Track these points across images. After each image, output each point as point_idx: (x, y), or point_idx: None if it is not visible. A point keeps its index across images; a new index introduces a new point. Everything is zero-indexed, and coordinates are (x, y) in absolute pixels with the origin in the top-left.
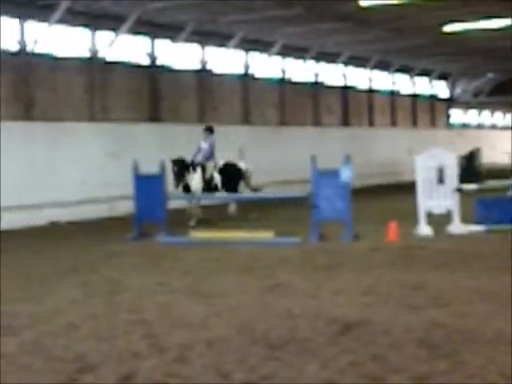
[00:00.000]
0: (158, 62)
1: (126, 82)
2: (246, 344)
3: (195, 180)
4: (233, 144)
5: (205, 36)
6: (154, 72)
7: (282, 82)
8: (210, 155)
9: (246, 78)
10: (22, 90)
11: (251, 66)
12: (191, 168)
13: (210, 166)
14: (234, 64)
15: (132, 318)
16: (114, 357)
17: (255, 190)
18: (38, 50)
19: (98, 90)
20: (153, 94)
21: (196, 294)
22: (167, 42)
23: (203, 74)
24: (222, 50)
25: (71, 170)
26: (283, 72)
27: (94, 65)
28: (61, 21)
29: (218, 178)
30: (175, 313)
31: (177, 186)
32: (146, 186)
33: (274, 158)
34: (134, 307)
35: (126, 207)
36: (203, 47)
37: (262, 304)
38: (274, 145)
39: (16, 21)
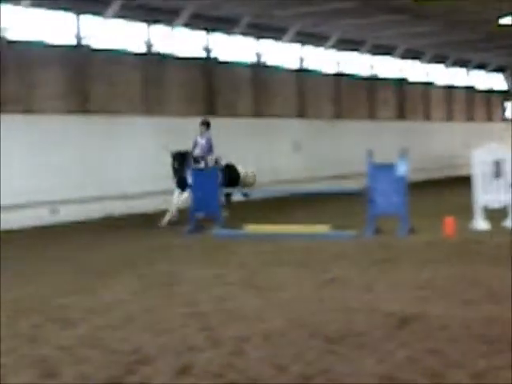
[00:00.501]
0: (213, 56)
1: (181, 75)
2: (302, 338)
3: None
4: (288, 137)
5: (260, 29)
6: (209, 65)
7: (337, 75)
8: (209, 150)
9: (300, 71)
10: (79, 83)
11: (306, 60)
12: (192, 161)
13: (211, 158)
14: (288, 57)
15: (188, 311)
16: (171, 349)
17: (245, 194)
18: (94, 45)
19: (153, 84)
20: (208, 88)
21: (251, 287)
22: (222, 35)
23: (258, 67)
24: (277, 43)
25: (127, 163)
26: (338, 65)
27: (149, 58)
28: (117, 15)
29: (219, 175)
30: (231, 305)
31: (176, 179)
32: (202, 179)
33: (329, 151)
34: (190, 300)
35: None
36: (258, 40)
37: (318, 298)
38: (329, 138)
39: (73, 15)
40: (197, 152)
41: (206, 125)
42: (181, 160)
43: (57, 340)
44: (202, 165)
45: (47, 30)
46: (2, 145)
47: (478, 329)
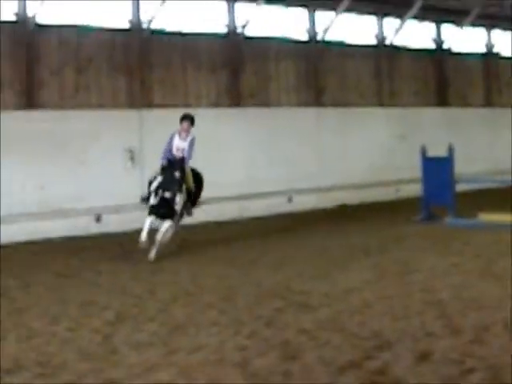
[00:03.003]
0: (444, 47)
1: (412, 67)
2: None
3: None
4: None
5: (491, 19)
6: (439, 57)
7: None
8: (190, 155)
9: None
10: (312, 77)
11: None
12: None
13: (188, 173)
14: None
15: (425, 298)
16: (409, 335)
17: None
18: (327, 38)
19: (385, 76)
20: (439, 79)
21: (488, 275)
22: (453, 26)
23: (489, 57)
24: (509, 33)
25: (360, 154)
26: None
27: (381, 51)
28: (349, 9)
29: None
30: (468, 294)
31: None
32: (435, 168)
33: None
34: (426, 288)
35: (413, 190)
36: (489, 31)
37: None
38: None
39: (304, 10)
40: (178, 156)
41: (191, 121)
42: (177, 171)
43: (297, 324)
44: (177, 174)
45: (281, 26)
46: (245, 136)
47: None
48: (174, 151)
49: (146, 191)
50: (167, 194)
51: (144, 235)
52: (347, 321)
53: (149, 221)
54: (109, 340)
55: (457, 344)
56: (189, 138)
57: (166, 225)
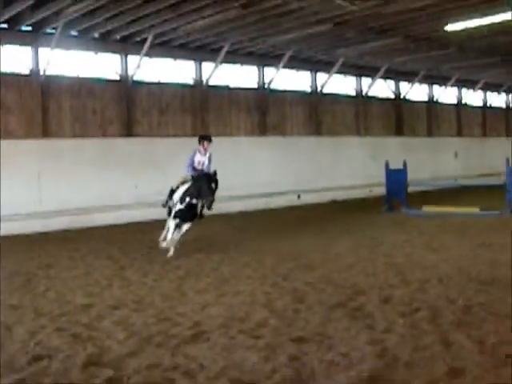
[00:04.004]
0: (401, 97)
1: (380, 110)
2: (464, 281)
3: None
4: (451, 149)
5: (431, 79)
6: (398, 103)
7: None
8: (209, 169)
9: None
10: (314, 116)
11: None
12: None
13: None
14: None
15: (387, 262)
16: (377, 286)
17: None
18: (324, 91)
19: (361, 116)
20: (397, 118)
21: (429, 247)
22: (406, 83)
23: (431, 103)
24: (443, 87)
25: (345, 167)
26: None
27: (358, 100)
28: (339, 72)
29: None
30: (416, 259)
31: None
32: (394, 176)
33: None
34: (388, 255)
35: (380, 191)
36: (430, 86)
37: (474, 255)
38: (477, 150)
39: (308, 73)
40: (198, 168)
41: (209, 140)
42: (212, 182)
43: (304, 278)
44: (213, 186)
45: (294, 82)
46: (269, 155)
47: None
48: (196, 164)
49: (166, 197)
50: (194, 201)
51: (169, 236)
52: (336, 276)
53: (173, 224)
54: (180, 287)
55: (408, 292)
56: (208, 154)
57: (187, 226)
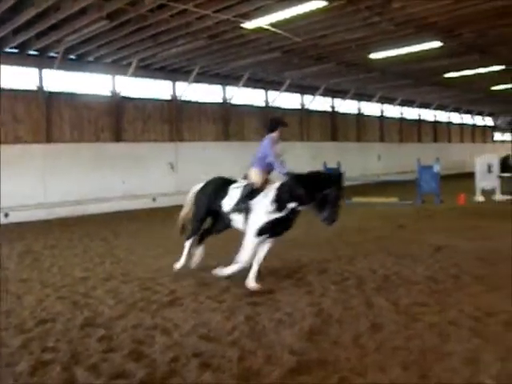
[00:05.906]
0: (336, 110)
1: (319, 121)
2: (384, 255)
3: None
4: (375, 152)
5: (359, 96)
6: (333, 115)
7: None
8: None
9: (382, 117)
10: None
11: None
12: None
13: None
14: (375, 110)
15: (326, 242)
16: (316, 261)
17: None
18: (276, 105)
19: (304, 126)
20: (332, 126)
21: (359, 229)
22: (340, 99)
23: (359, 116)
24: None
25: (292, 165)
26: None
27: (302, 113)
28: (287, 90)
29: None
30: (346, 239)
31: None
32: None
33: (397, 158)
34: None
35: None
36: (359, 102)
37: (394, 235)
38: (396, 152)
39: (262, 91)
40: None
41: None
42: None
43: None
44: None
45: (253, 97)
46: (231, 157)
47: (476, 252)
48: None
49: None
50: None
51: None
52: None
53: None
54: (159, 263)
55: (339, 265)
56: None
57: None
